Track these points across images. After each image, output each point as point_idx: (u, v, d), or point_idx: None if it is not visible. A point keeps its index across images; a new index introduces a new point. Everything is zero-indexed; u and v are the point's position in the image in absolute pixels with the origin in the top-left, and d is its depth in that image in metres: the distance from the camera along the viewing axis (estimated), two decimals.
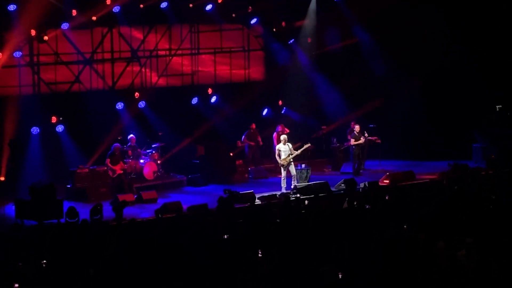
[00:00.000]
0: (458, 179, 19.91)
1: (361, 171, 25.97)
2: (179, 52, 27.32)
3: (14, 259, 13.37)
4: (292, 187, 22.60)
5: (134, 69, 26.40)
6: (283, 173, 22.75)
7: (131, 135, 24.23)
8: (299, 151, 23.05)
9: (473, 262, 11.97)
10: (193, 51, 27.60)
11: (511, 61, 27.83)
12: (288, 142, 22.90)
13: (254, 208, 18.87)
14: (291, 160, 22.77)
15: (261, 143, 26.47)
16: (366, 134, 25.76)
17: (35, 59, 24.42)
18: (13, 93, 23.86)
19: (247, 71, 29.10)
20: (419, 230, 14.05)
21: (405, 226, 14.78)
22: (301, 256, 12.99)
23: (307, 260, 12.83)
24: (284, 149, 22.75)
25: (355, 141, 25.63)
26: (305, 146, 23.46)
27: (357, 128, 25.76)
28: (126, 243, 14.08)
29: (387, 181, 22.74)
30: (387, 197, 18.55)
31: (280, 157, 22.74)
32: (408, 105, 27.95)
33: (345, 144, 26.35)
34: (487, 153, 26.52)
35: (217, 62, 28.27)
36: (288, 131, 24.33)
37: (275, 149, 25.67)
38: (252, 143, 26.34)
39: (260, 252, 13.15)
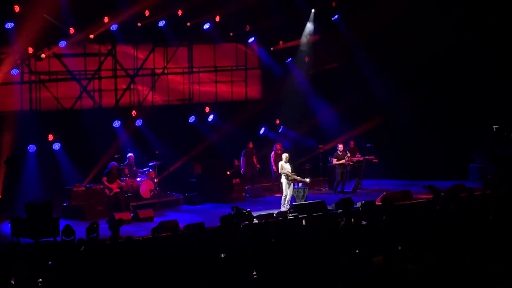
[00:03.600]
0: (455, 199, 19.85)
1: (358, 190, 26.09)
2: (177, 70, 27.36)
3: (9, 277, 13.28)
4: (289, 206, 22.57)
5: (131, 87, 26.39)
6: (285, 191, 22.67)
7: (130, 154, 24.18)
8: (298, 179, 23.01)
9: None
10: (190, 69, 27.63)
11: (508, 80, 27.93)
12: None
13: (251, 227, 18.80)
14: (292, 179, 22.76)
15: (257, 166, 26.40)
16: (348, 154, 25.93)
17: (32, 77, 24.41)
18: (10, 111, 23.82)
19: (244, 89, 29.11)
20: (411, 248, 14.03)
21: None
22: (298, 276, 12.94)
23: (304, 279, 12.78)
24: (286, 167, 22.73)
25: (337, 160, 25.74)
26: (305, 180, 23.39)
27: (340, 147, 25.94)
28: (122, 261, 14.01)
29: (384, 201, 22.68)
30: (384, 217, 18.49)
31: (284, 170, 22.68)
32: (406, 124, 28.01)
33: (328, 164, 26.51)
34: (484, 173, 26.55)
35: (214, 81, 28.28)
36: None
37: (272, 168, 25.75)
38: (250, 169, 26.37)
39: (255, 272, 13.07)
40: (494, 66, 27.47)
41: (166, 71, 27.04)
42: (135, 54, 26.32)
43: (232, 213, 19.60)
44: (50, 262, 14.22)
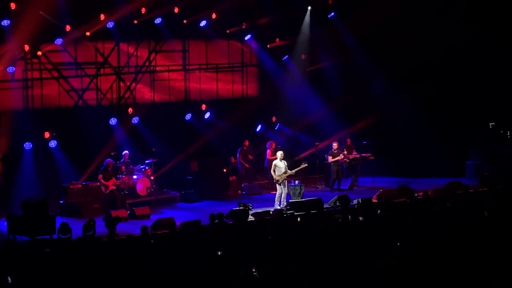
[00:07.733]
0: (452, 196, 19.88)
1: (354, 187, 26.13)
2: (173, 68, 27.33)
3: (5, 275, 13.27)
4: (285, 203, 22.53)
5: (127, 84, 26.36)
6: (279, 189, 22.63)
7: (125, 151, 24.16)
8: (294, 171, 22.90)
9: None
10: (187, 67, 27.61)
11: (505, 78, 27.95)
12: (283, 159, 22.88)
13: (247, 225, 18.80)
14: (286, 177, 22.67)
15: (246, 165, 26.42)
16: (345, 152, 25.95)
17: (28, 74, 24.35)
18: (6, 108, 23.78)
19: (241, 87, 29.10)
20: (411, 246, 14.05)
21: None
22: (295, 273, 12.94)
23: (300, 276, 12.78)
24: (280, 165, 22.63)
25: (332, 158, 25.74)
26: (301, 166, 23.31)
27: (335, 145, 25.94)
28: (119, 259, 14.00)
29: (381, 198, 22.70)
30: (379, 214, 18.52)
31: (275, 173, 22.64)
32: (402, 121, 28.00)
33: (325, 161, 26.51)
34: (480, 170, 26.59)
35: (211, 78, 28.27)
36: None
37: (266, 165, 25.79)
38: (246, 165, 26.34)
39: (254, 270, 13.07)
40: (492, 65, 27.48)
41: (154, 68, 26.90)
42: (128, 51, 26.21)
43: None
44: (46, 251, 14.23)
